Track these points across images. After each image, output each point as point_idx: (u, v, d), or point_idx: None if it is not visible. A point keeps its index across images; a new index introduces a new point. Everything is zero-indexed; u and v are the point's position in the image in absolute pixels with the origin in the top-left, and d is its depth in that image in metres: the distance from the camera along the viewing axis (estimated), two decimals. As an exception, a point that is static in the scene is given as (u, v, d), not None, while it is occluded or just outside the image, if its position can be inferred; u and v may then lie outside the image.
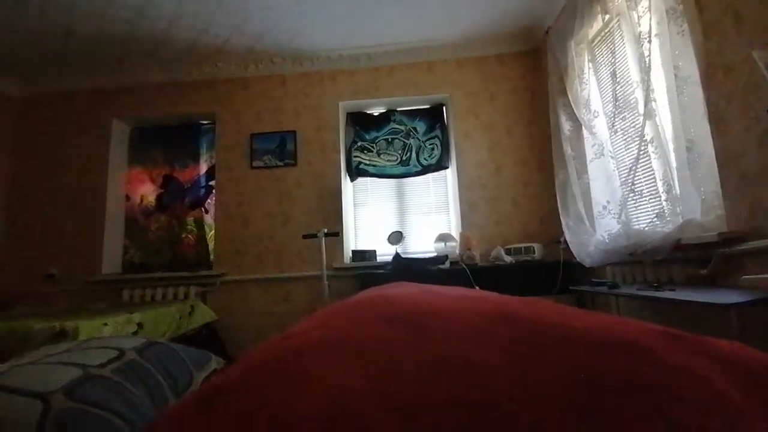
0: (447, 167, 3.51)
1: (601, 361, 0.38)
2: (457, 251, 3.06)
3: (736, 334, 1.23)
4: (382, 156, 3.55)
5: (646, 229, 2.02)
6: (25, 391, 0.60)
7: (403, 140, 3.57)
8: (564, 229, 2.72)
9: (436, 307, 0.61)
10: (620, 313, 2.32)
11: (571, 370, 0.36)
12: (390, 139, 3.58)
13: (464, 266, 2.81)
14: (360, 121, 3.63)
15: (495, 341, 0.44)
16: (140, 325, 2.19)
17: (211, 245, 3.51)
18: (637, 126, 2.09)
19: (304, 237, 2.93)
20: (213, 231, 3.48)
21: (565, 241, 2.71)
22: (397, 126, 3.60)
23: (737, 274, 1.59)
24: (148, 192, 3.70)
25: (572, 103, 2.65)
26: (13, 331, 1.84)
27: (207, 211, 3.61)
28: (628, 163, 2.18)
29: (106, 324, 1.97)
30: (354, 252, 3.27)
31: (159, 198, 3.68)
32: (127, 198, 3.69)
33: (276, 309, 3.22)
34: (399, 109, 3.63)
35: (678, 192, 1.86)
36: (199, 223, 3.60)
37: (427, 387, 0.34)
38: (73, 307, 2.79)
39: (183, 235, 3.60)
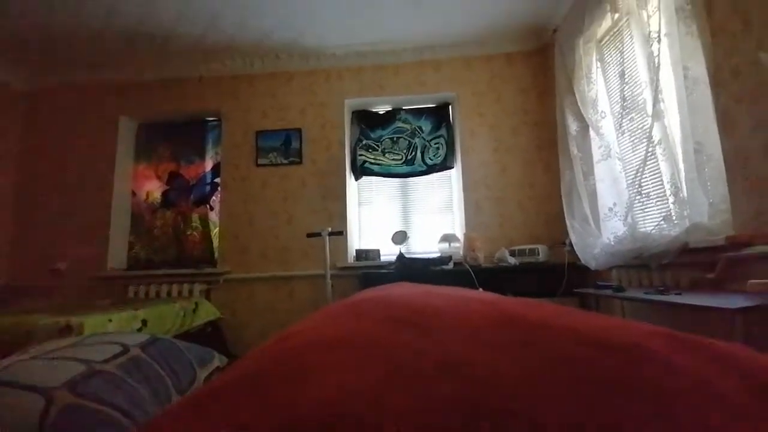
0: (452, 167, 3.49)
1: (604, 362, 0.38)
2: (461, 252, 3.05)
3: (741, 338, 1.21)
4: (387, 155, 3.55)
5: (653, 232, 2.00)
6: (28, 386, 0.60)
7: (408, 139, 3.56)
8: (569, 231, 2.70)
9: (438, 308, 0.61)
10: (626, 316, 2.30)
11: (574, 371, 0.37)
12: (395, 138, 3.58)
13: (468, 267, 2.81)
14: (365, 120, 3.63)
15: (498, 343, 0.44)
16: (144, 322, 2.20)
17: (215, 243, 3.52)
18: (644, 127, 2.07)
19: (309, 236, 2.93)
20: (218, 228, 3.50)
21: (570, 243, 2.69)
22: (402, 125, 3.59)
23: (744, 278, 1.56)
24: (153, 188, 3.72)
25: (579, 103, 2.63)
26: (18, 325, 1.83)
27: (212, 209, 3.63)
28: (635, 164, 2.16)
29: (110, 320, 1.98)
30: (358, 251, 3.27)
31: (164, 194, 3.70)
32: (133, 194, 3.72)
33: (280, 307, 3.23)
34: (404, 107, 3.62)
35: (685, 195, 1.84)
36: (204, 221, 3.61)
37: (430, 390, 0.34)
38: (79, 303, 2.81)
39: (188, 233, 3.62)
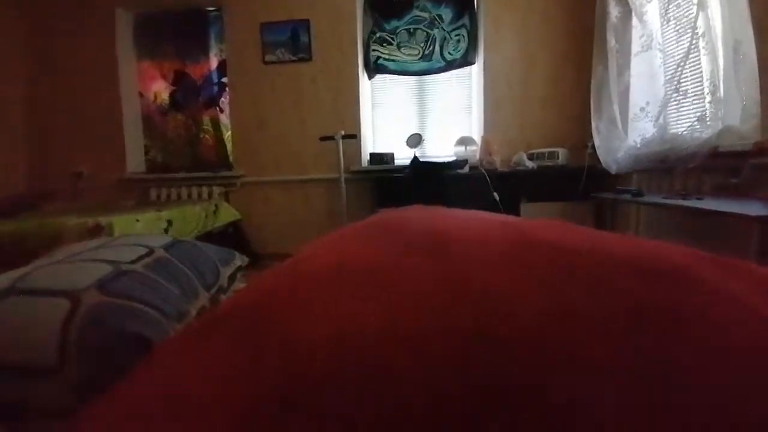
0: (473, 63, 3.22)
1: (644, 288, 0.34)
2: (477, 156, 2.98)
3: (757, 247, 1.20)
4: (402, 49, 3.27)
5: (684, 133, 1.89)
6: (52, 291, 0.60)
7: (427, 30, 3.24)
8: (593, 133, 2.57)
9: (456, 233, 0.57)
10: (641, 223, 2.29)
11: (609, 299, 0.33)
12: (412, 30, 3.26)
13: (483, 171, 2.76)
14: (379, 7, 3.27)
15: (521, 269, 0.41)
16: (170, 222, 2.29)
17: (228, 146, 3.50)
18: (690, 16, 1.85)
19: (322, 139, 2.87)
20: (229, 132, 3.45)
21: (593, 146, 2.58)
22: (420, 13, 3.23)
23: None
24: (160, 89, 3.60)
25: (624, -16, 2.29)
26: (46, 227, 1.80)
27: (222, 111, 3.53)
28: (676, 58, 1.97)
29: (138, 220, 2.06)
30: (372, 155, 3.22)
31: (172, 96, 3.59)
32: (141, 95, 3.61)
33: (296, 209, 3.32)
34: (423, -8, 3.23)
35: (722, 94, 1.72)
36: (215, 123, 3.55)
37: (446, 319, 0.31)
38: (104, 205, 2.91)
39: (201, 135, 3.59)
